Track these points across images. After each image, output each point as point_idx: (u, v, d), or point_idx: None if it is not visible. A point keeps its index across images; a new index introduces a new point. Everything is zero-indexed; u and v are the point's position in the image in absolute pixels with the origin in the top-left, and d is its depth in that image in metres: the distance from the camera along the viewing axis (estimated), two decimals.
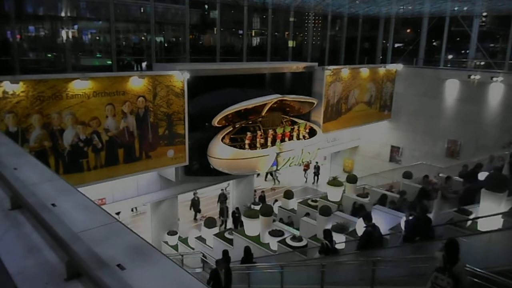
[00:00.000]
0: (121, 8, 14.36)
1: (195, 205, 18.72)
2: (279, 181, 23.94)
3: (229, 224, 17.58)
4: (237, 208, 17.26)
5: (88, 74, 11.31)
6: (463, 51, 21.39)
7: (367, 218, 8.07)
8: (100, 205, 3.08)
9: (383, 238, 8.25)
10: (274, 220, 13.99)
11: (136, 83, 12.21)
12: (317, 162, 23.06)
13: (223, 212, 17.95)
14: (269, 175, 24.10)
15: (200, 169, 14.83)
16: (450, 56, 21.60)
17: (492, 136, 17.71)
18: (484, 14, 19.79)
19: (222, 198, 18.46)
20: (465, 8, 18.94)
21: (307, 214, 13.21)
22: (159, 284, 2.06)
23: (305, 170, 23.67)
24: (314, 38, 20.89)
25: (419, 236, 7.38)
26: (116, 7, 13.67)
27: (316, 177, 23.51)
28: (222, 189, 18.86)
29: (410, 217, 7.70)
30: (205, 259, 12.68)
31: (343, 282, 8.04)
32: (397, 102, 21.86)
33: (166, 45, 16.02)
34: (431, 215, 7.96)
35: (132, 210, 19.24)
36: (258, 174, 21.65)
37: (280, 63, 18.34)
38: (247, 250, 10.74)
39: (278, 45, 19.74)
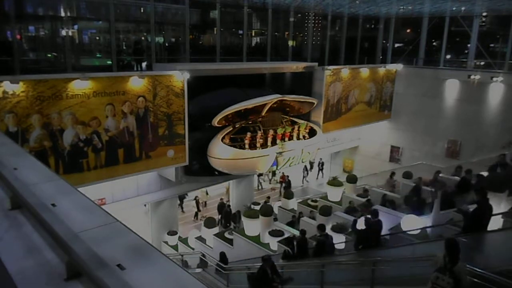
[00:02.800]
0: (121, 8, 14.35)
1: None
2: (262, 187, 23.39)
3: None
4: (228, 206, 17.18)
5: (88, 74, 11.30)
6: (463, 51, 21.39)
7: (321, 228, 8.99)
8: (100, 205, 3.08)
9: (334, 246, 9.16)
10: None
11: (136, 83, 12.20)
12: (287, 176, 22.14)
13: (235, 218, 16.45)
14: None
15: (200, 169, 14.83)
16: (449, 56, 21.58)
17: (492, 136, 17.70)
18: (484, 14, 19.79)
19: (225, 208, 17.37)
20: (462, 8, 18.91)
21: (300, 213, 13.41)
22: (159, 284, 2.06)
23: (281, 182, 22.44)
24: (314, 38, 20.88)
25: (363, 244, 8.08)
26: (116, 7, 13.66)
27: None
28: (221, 199, 18.36)
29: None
30: (203, 258, 12.66)
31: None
32: (397, 102, 21.86)
33: (166, 45, 16.02)
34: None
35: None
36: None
37: (280, 63, 18.33)
38: (222, 254, 11.59)
39: (278, 45, 19.73)
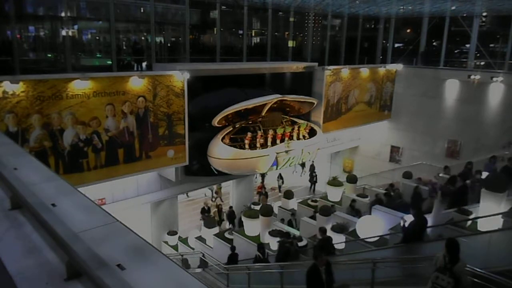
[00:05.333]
0: (121, 8, 14.36)
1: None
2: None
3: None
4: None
5: (88, 74, 11.30)
6: (463, 51, 21.38)
7: (286, 236, 10.28)
8: (100, 205, 3.08)
9: (299, 253, 9.88)
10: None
11: (136, 83, 12.20)
12: (264, 187, 20.94)
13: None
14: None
15: (200, 169, 14.83)
16: (450, 56, 21.58)
17: (492, 136, 17.69)
18: (484, 14, 19.78)
19: (234, 216, 16.76)
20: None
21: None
22: (159, 284, 2.06)
23: (259, 192, 20.56)
24: (314, 38, 20.88)
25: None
26: (116, 7, 13.66)
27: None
28: (230, 206, 17.59)
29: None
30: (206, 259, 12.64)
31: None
32: (397, 102, 21.85)
33: (166, 45, 16.01)
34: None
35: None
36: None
37: (280, 63, 18.33)
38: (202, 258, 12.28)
39: (278, 45, 19.72)
